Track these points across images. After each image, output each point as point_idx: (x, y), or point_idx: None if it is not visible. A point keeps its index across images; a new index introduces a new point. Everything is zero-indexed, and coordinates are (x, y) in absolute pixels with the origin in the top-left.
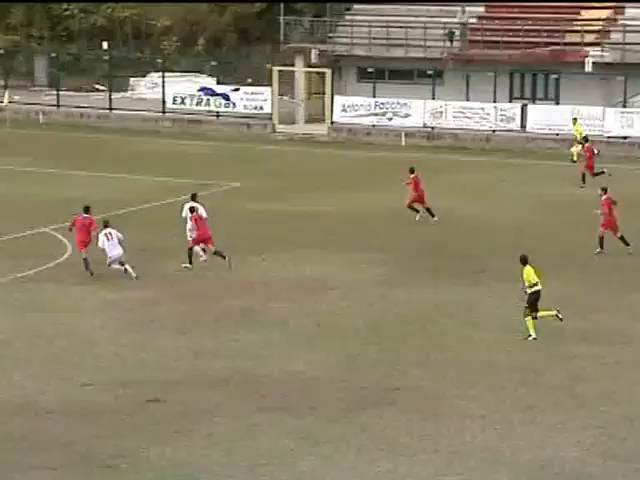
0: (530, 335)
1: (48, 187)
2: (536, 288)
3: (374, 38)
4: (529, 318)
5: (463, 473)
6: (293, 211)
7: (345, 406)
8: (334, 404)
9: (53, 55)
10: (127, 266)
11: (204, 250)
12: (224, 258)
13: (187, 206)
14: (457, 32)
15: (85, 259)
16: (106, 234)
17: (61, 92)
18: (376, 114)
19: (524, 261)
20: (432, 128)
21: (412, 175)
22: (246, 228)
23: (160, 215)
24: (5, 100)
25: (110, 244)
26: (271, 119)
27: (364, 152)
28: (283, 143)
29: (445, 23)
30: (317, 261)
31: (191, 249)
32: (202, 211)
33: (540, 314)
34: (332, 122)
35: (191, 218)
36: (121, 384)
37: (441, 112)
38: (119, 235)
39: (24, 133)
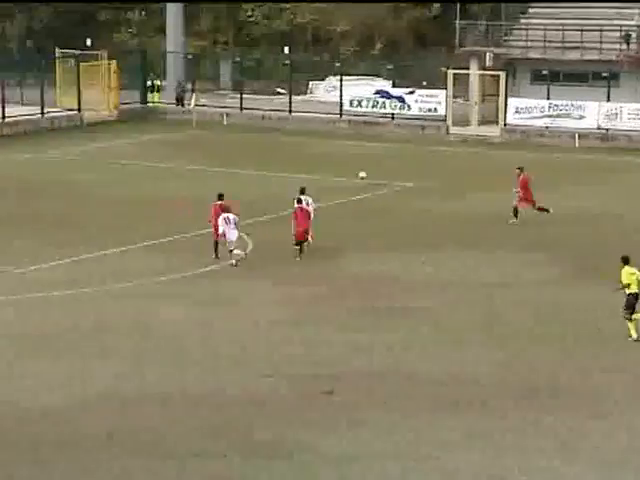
0: (630, 336)
1: (230, 187)
2: (633, 290)
3: (549, 41)
4: (629, 320)
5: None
6: (463, 211)
7: (513, 402)
8: (502, 400)
9: (237, 60)
10: (235, 250)
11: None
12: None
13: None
14: (633, 34)
15: (216, 243)
16: (224, 218)
17: (244, 95)
18: (550, 116)
19: (625, 261)
20: (606, 130)
21: (521, 174)
22: (411, 227)
23: (331, 214)
24: (192, 103)
25: (229, 228)
26: (445, 121)
27: (537, 154)
28: (456, 144)
29: (621, 26)
30: (479, 261)
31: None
32: (308, 205)
33: (636, 316)
34: (505, 124)
35: (296, 209)
36: (296, 377)
37: (616, 114)
38: (235, 218)
39: (209, 134)
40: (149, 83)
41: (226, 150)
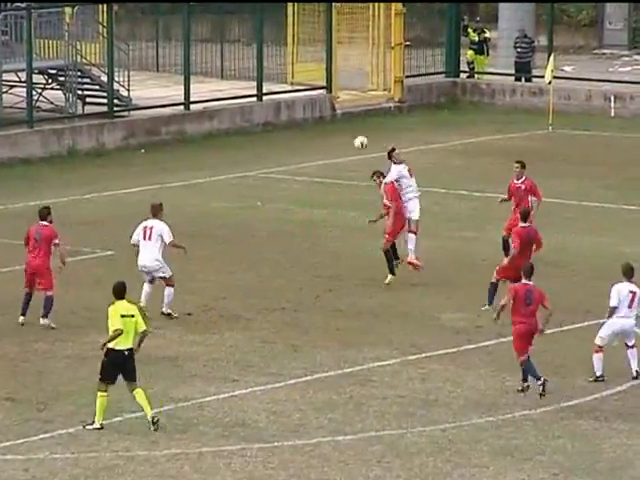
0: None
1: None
2: (119, 346)
3: None
4: (99, 394)
5: None
6: None
7: None
8: None
9: None
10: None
11: None
12: None
13: None
14: None
15: None
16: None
17: None
18: None
19: (118, 293)
20: None
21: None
22: None
23: None
24: (547, 74)
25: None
26: None
27: None
28: None
29: None
30: None
31: None
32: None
33: (144, 405)
34: None
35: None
36: None
37: None
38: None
39: (581, 135)
40: (469, 37)
41: (607, 163)
